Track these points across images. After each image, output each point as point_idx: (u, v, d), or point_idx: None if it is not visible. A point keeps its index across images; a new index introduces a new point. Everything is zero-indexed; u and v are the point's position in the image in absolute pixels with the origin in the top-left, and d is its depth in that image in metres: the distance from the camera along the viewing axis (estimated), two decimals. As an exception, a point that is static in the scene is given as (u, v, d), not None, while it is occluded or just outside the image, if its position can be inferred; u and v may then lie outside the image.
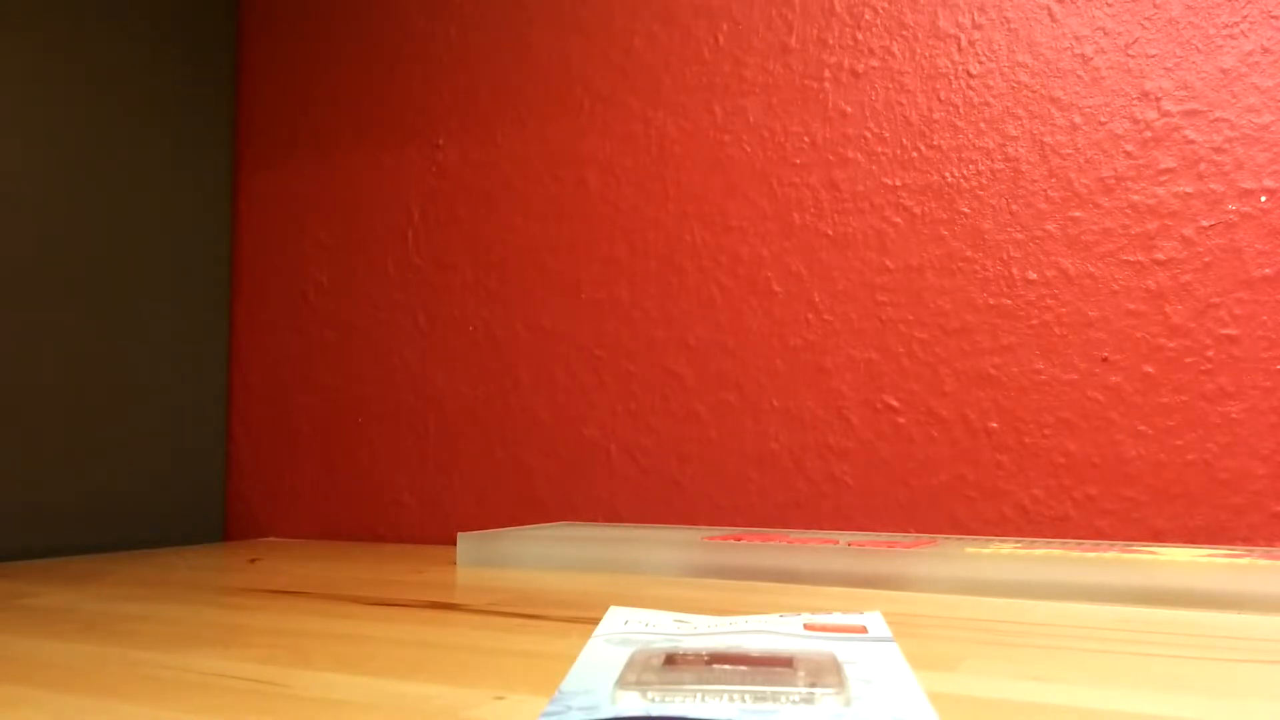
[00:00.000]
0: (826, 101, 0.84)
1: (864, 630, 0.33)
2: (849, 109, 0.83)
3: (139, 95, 0.99)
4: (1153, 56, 0.74)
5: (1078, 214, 0.75)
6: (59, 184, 0.91)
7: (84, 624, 0.41)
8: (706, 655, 0.28)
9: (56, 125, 0.91)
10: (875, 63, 0.82)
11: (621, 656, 0.29)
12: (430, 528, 0.98)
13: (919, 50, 0.81)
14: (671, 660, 0.28)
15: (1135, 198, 0.73)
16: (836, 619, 0.35)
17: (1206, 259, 0.71)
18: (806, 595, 0.46)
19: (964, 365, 0.77)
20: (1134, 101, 0.74)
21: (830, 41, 0.84)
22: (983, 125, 0.78)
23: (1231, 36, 0.71)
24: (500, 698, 0.26)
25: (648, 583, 0.54)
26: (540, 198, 0.95)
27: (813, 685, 0.25)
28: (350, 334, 1.03)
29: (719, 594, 0.46)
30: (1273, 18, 0.71)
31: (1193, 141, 0.72)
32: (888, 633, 0.32)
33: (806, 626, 0.33)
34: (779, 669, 0.26)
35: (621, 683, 0.25)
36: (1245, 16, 0.71)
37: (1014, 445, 0.76)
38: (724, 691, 0.24)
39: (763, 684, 0.25)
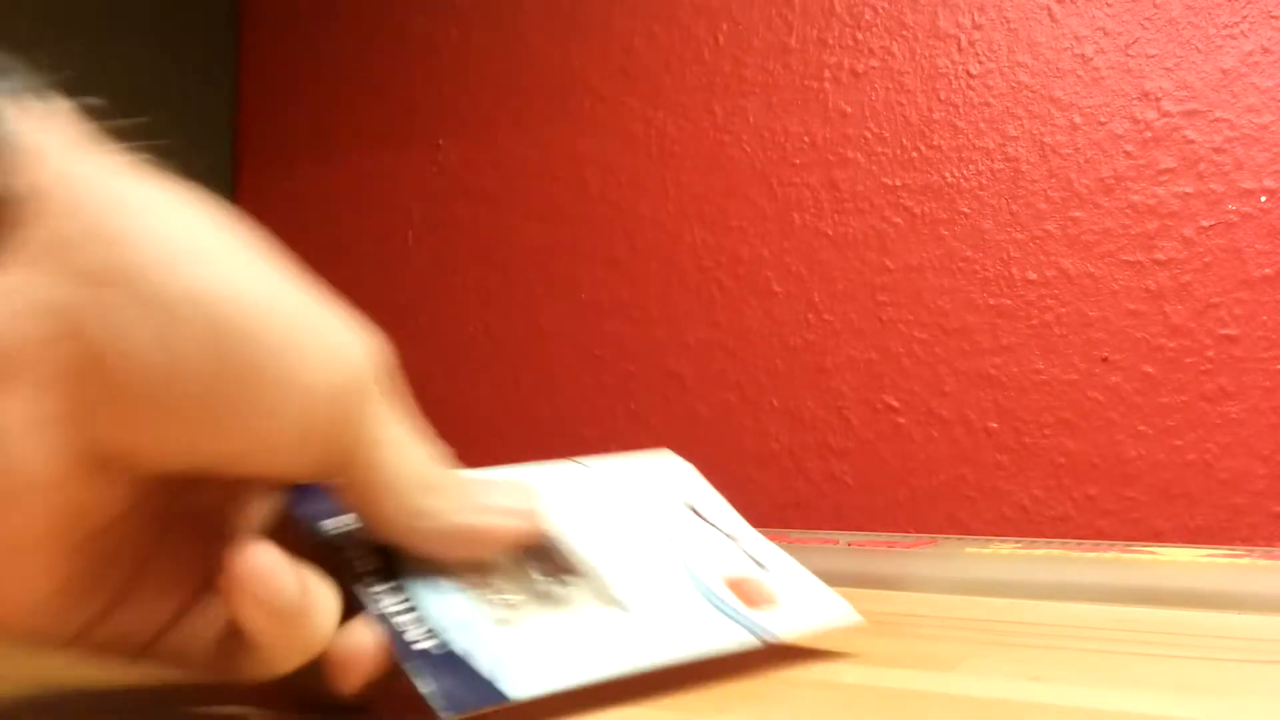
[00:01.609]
0: (826, 101, 0.84)
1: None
2: (849, 109, 0.83)
3: (139, 95, 0.99)
4: (1153, 56, 0.74)
5: (1078, 214, 0.75)
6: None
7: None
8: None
9: (56, 125, 0.91)
10: (875, 63, 0.82)
11: None
12: (430, 528, 0.98)
13: (919, 50, 0.81)
14: None
15: (1135, 198, 0.73)
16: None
17: (1206, 259, 0.71)
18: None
19: (964, 365, 0.77)
20: (1134, 101, 0.74)
21: (830, 41, 0.84)
22: (983, 125, 0.78)
23: (1231, 36, 0.71)
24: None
25: (648, 583, 0.54)
26: (540, 198, 0.95)
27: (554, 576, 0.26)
28: (350, 334, 1.03)
29: (719, 594, 0.46)
30: (1273, 18, 0.71)
31: (1193, 141, 0.72)
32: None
33: (731, 582, 0.31)
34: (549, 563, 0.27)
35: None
36: (1245, 16, 0.71)
37: (1014, 445, 0.76)
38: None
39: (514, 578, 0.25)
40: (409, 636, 0.23)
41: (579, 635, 0.25)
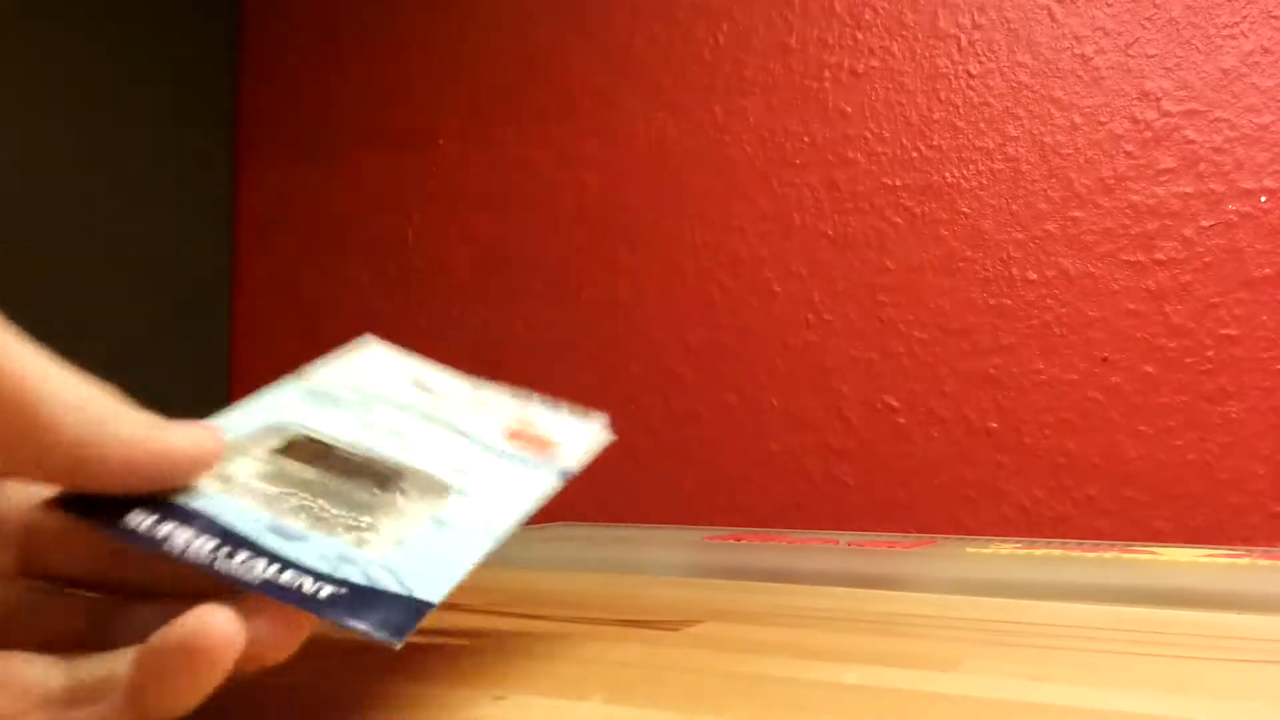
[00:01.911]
0: (826, 101, 0.84)
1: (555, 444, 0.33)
2: (849, 109, 0.83)
3: (139, 96, 0.99)
4: (1153, 56, 0.74)
5: (1078, 214, 0.75)
6: (59, 186, 0.91)
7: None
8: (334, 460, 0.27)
9: (56, 128, 0.91)
10: (875, 63, 0.82)
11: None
12: (430, 528, 0.98)
13: (919, 50, 0.81)
14: (299, 450, 0.27)
15: (1135, 198, 0.73)
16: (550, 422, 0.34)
17: (1206, 259, 0.71)
18: (806, 595, 0.46)
19: (964, 365, 0.77)
20: (1134, 101, 0.74)
21: (830, 41, 0.84)
22: (983, 125, 0.78)
23: (1231, 36, 0.71)
24: (500, 698, 0.26)
25: (648, 583, 0.54)
26: (540, 198, 0.95)
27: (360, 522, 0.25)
28: (350, 334, 1.03)
29: (719, 594, 0.46)
30: (1273, 18, 0.71)
31: (1193, 141, 0.72)
32: (573, 463, 0.32)
33: (512, 435, 0.32)
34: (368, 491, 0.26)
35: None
36: (1245, 16, 0.71)
37: (1014, 445, 0.76)
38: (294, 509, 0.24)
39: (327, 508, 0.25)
40: (308, 590, 0.23)
41: (441, 529, 0.26)
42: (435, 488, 0.27)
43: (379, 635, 0.22)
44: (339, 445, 0.28)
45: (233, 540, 0.23)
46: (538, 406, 0.35)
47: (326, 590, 0.23)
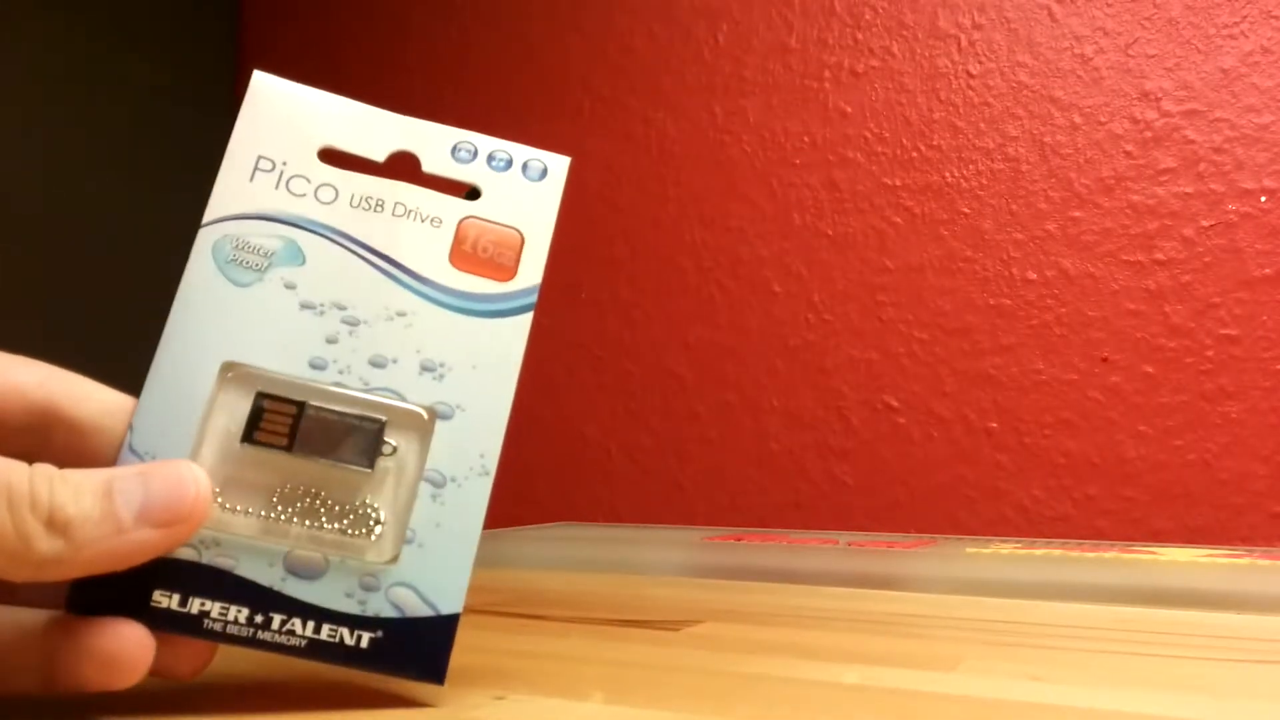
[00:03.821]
0: (826, 101, 0.84)
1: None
2: (849, 109, 0.83)
3: (139, 97, 0.99)
4: (1153, 56, 0.74)
5: (1078, 214, 0.75)
6: (59, 187, 0.91)
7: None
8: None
9: (57, 129, 0.91)
10: (875, 63, 0.82)
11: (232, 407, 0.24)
12: (430, 528, 0.98)
13: (919, 50, 0.81)
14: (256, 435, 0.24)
15: (1135, 198, 0.73)
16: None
17: (1206, 259, 0.71)
18: (806, 595, 0.46)
19: (964, 365, 0.77)
20: (1134, 101, 0.74)
21: (830, 41, 0.84)
22: (983, 125, 0.78)
23: (1231, 36, 0.71)
24: (500, 698, 0.26)
25: (648, 583, 0.54)
26: (540, 198, 0.95)
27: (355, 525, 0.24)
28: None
29: (719, 594, 0.46)
30: (1273, 18, 0.70)
31: (1193, 141, 0.72)
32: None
33: (461, 259, 0.28)
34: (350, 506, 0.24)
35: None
36: (1245, 16, 0.71)
37: (1014, 445, 0.76)
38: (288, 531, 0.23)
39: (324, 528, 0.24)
40: (349, 643, 0.23)
41: (438, 496, 0.25)
42: (416, 426, 0.25)
43: (424, 680, 0.23)
44: (306, 402, 0.25)
45: (259, 600, 0.23)
46: (480, 171, 0.29)
47: (365, 638, 0.23)
